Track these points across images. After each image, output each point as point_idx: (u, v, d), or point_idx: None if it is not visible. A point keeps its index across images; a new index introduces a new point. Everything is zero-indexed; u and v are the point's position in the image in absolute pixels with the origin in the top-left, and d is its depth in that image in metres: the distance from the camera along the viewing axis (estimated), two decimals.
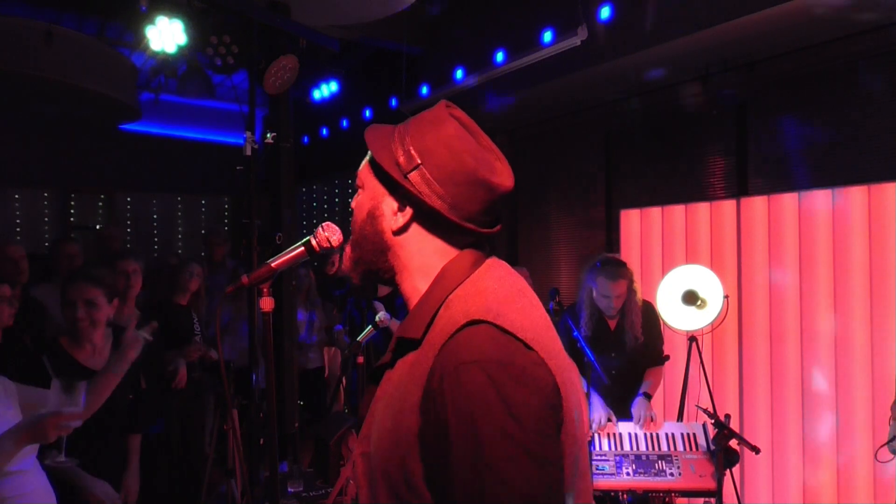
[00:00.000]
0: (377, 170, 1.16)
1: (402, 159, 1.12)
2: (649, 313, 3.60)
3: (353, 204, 1.24)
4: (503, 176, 1.15)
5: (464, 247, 1.15)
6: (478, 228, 1.13)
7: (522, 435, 0.96)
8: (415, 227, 1.15)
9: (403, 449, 1.04)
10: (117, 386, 2.70)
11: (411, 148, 1.12)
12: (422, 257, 1.16)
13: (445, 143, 1.11)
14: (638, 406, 3.35)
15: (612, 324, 3.52)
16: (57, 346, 2.68)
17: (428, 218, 1.13)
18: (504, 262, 1.21)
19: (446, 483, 0.98)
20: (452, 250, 1.15)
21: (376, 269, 1.19)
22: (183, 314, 4.09)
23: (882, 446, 3.20)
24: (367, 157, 1.21)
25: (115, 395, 2.71)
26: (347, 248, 1.23)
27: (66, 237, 6.04)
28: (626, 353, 3.48)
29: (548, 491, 0.97)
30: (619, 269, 3.41)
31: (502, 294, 1.09)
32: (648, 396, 3.42)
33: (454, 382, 0.99)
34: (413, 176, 1.11)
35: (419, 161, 1.11)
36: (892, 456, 3.18)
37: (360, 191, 1.22)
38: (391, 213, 1.15)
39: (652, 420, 3.31)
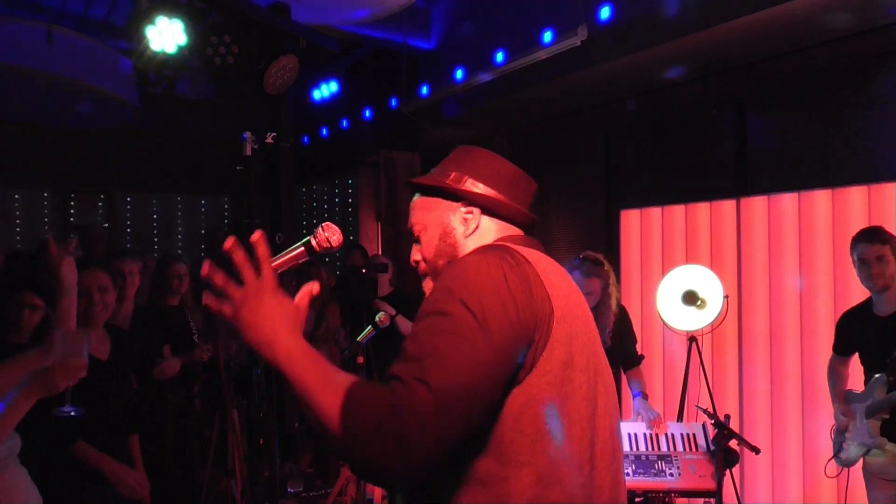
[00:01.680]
0: (438, 193, 1.36)
1: (450, 179, 1.35)
2: (622, 318, 3.59)
3: (417, 256, 1.41)
4: (529, 177, 1.40)
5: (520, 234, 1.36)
6: (530, 214, 1.37)
7: (492, 298, 1.08)
8: (483, 225, 1.35)
9: None
10: (116, 386, 2.71)
11: (454, 171, 1.36)
12: (483, 241, 1.33)
13: (481, 157, 1.37)
14: (644, 408, 3.33)
15: None
16: None
17: (493, 213, 1.35)
18: None
19: (414, 321, 1.13)
20: (509, 235, 1.34)
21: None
22: (176, 315, 4.03)
23: (829, 460, 3.20)
24: (417, 203, 1.41)
25: (115, 395, 2.71)
26: (429, 283, 1.39)
27: (63, 237, 6.03)
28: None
29: (489, 354, 1.05)
30: (594, 268, 3.40)
31: (528, 250, 1.24)
32: (646, 396, 3.43)
33: (456, 262, 1.20)
34: (465, 184, 1.34)
35: (466, 177, 1.35)
36: (840, 469, 3.18)
37: (420, 235, 1.39)
38: (460, 223, 1.35)
39: (661, 420, 3.30)
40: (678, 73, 4.83)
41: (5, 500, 2.16)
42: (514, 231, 1.36)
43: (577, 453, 1.13)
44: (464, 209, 1.34)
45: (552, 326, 1.13)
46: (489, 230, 1.35)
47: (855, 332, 3.11)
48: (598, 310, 3.46)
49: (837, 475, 3.20)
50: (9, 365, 2.14)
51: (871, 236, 2.96)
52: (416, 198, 1.41)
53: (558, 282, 1.21)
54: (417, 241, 1.40)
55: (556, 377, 1.11)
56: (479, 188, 1.34)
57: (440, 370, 1.01)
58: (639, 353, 3.66)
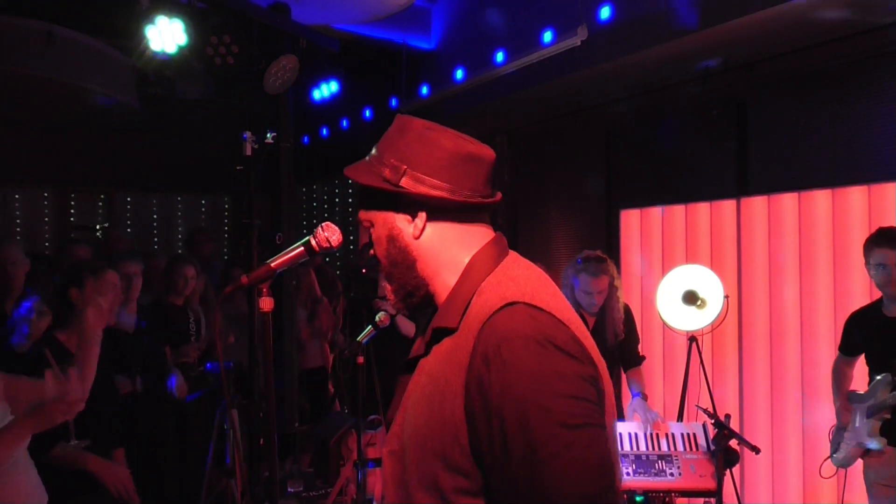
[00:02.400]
0: (374, 196, 1.20)
1: (388, 173, 1.17)
2: (627, 315, 3.59)
3: (369, 246, 1.27)
4: (481, 147, 1.20)
5: (479, 227, 1.21)
6: (483, 200, 1.18)
7: (571, 408, 1.00)
8: (431, 226, 1.19)
9: (449, 434, 1.05)
10: (107, 395, 2.71)
11: (392, 160, 1.17)
12: (447, 252, 1.20)
13: (418, 140, 1.17)
14: (643, 409, 3.33)
15: (591, 321, 3.53)
16: (53, 339, 2.68)
17: (439, 210, 1.17)
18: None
19: (503, 462, 1.01)
20: (472, 236, 1.20)
21: (412, 288, 1.23)
22: (179, 315, 4.08)
23: (825, 460, 3.20)
24: (360, 195, 1.25)
25: (90, 410, 2.70)
26: (387, 286, 1.27)
27: (75, 239, 6.05)
28: (606, 351, 3.48)
29: (600, 454, 1.01)
30: (600, 265, 3.41)
31: (533, 281, 1.15)
32: (645, 396, 3.43)
33: (499, 360, 1.03)
34: (405, 181, 1.15)
35: (404, 167, 1.16)
36: (837, 469, 3.17)
37: (371, 230, 1.25)
38: (407, 225, 1.19)
39: (661, 421, 3.30)
40: (678, 74, 4.83)
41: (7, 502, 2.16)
42: (479, 232, 1.20)
43: None
44: (405, 215, 1.19)
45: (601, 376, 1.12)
46: (445, 238, 1.19)
47: (863, 332, 3.10)
48: (607, 305, 3.46)
49: (833, 475, 3.20)
50: (16, 382, 2.15)
51: (893, 240, 2.90)
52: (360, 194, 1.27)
53: (580, 326, 1.15)
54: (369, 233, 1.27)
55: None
56: (422, 187, 1.15)
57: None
58: (640, 355, 3.66)
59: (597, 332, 3.50)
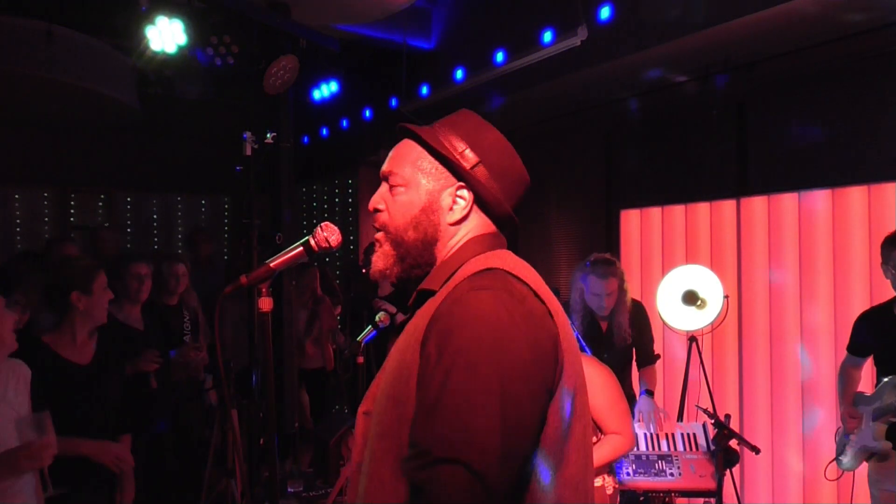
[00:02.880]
0: (445, 163, 1.21)
1: (462, 155, 1.21)
2: (640, 313, 3.59)
3: (380, 204, 1.25)
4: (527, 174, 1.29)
5: (497, 233, 1.26)
6: (516, 220, 1.26)
7: (517, 360, 1.00)
8: (470, 218, 1.23)
9: (403, 380, 1.06)
10: (109, 386, 2.71)
11: (467, 148, 1.22)
12: (462, 243, 1.22)
13: (498, 145, 1.25)
14: (648, 408, 3.33)
15: (604, 325, 3.52)
16: (41, 344, 2.66)
17: (484, 210, 1.23)
18: None
19: (432, 390, 0.99)
20: (487, 236, 1.24)
21: (420, 263, 1.23)
22: (174, 315, 4.06)
23: (830, 462, 3.17)
24: (409, 154, 1.23)
25: (92, 402, 2.70)
26: (385, 246, 1.24)
27: (63, 237, 6.03)
28: (618, 354, 3.48)
29: (523, 417, 0.99)
30: (609, 268, 3.40)
31: (520, 264, 1.17)
32: (651, 393, 3.43)
33: (462, 303, 1.04)
34: (477, 171, 1.21)
35: (479, 159, 1.21)
36: (842, 472, 3.14)
37: (395, 189, 1.23)
38: (447, 207, 1.21)
39: (665, 417, 3.30)
40: (678, 74, 4.83)
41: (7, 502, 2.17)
42: (493, 231, 1.25)
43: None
44: (452, 199, 1.21)
45: (563, 372, 1.08)
46: (473, 225, 1.23)
47: (873, 332, 3.05)
48: (617, 309, 3.45)
49: (838, 478, 3.18)
50: None
51: None
52: (410, 146, 1.24)
53: (559, 311, 1.15)
54: (388, 186, 1.25)
55: (554, 436, 1.08)
56: (490, 184, 1.21)
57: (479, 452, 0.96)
58: (655, 353, 3.65)
59: (609, 337, 3.49)
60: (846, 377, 3.18)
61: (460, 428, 0.95)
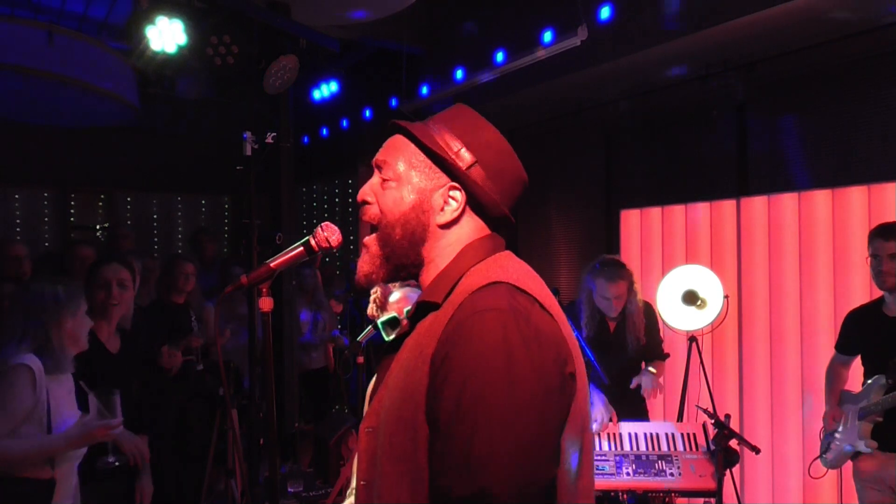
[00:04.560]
0: (438, 162, 1.17)
1: (455, 153, 1.16)
2: (649, 314, 3.58)
3: (368, 196, 1.21)
4: (525, 174, 1.24)
5: (493, 235, 1.21)
6: (512, 220, 1.21)
7: (528, 385, 0.98)
8: (462, 221, 1.18)
9: (416, 401, 1.04)
10: (124, 381, 2.72)
11: (462, 147, 1.17)
12: (454, 247, 1.18)
13: (495, 144, 1.19)
14: (647, 379, 3.34)
15: (612, 325, 3.51)
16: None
17: (477, 211, 1.18)
18: None
19: (443, 422, 0.99)
20: (481, 239, 1.19)
21: (407, 264, 1.20)
22: (181, 313, 4.09)
23: (814, 460, 3.17)
24: (404, 148, 1.20)
25: (131, 388, 2.73)
26: (373, 248, 1.21)
27: (82, 240, 6.06)
28: (627, 355, 3.47)
29: (539, 443, 0.99)
30: (618, 271, 3.39)
31: (522, 271, 1.14)
32: (653, 372, 3.42)
33: (468, 327, 1.01)
34: (473, 171, 1.16)
35: (475, 158, 1.16)
36: (826, 470, 3.15)
37: (386, 183, 1.19)
38: (438, 207, 1.16)
39: (660, 389, 3.29)
40: (678, 73, 4.84)
41: None
42: (489, 234, 1.20)
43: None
44: (444, 200, 1.16)
45: (577, 385, 1.08)
46: (462, 236, 1.18)
47: (861, 331, 3.05)
48: (627, 309, 3.44)
49: (822, 476, 3.18)
50: None
51: (887, 233, 2.86)
52: (404, 140, 1.20)
53: (563, 319, 1.12)
54: (380, 179, 1.20)
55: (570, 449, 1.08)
56: (486, 184, 1.16)
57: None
58: (664, 353, 3.64)
59: (617, 337, 3.48)
60: (834, 375, 3.18)
61: (478, 467, 0.96)
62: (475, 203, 1.17)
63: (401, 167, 1.18)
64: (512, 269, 1.13)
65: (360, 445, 1.15)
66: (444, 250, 1.18)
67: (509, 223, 1.21)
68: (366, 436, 1.14)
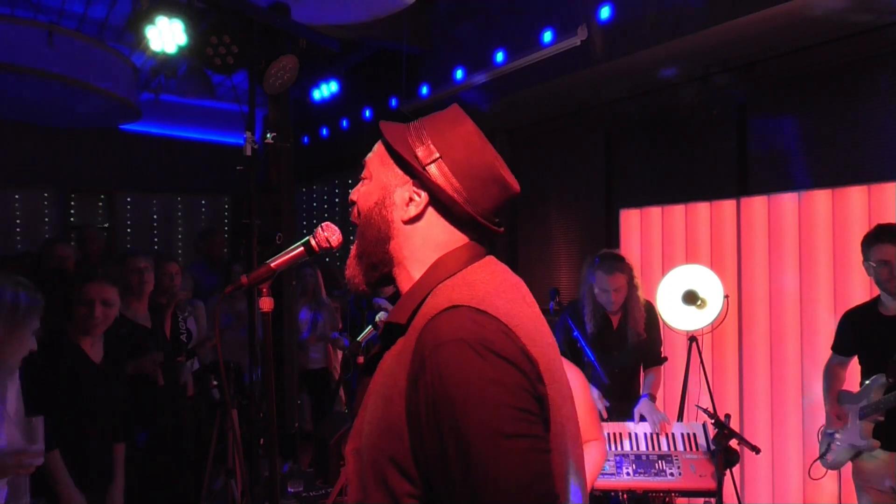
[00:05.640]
0: (396, 159, 1.17)
1: (420, 152, 1.15)
2: (651, 313, 3.59)
3: (354, 196, 1.24)
4: (512, 179, 1.18)
5: (470, 242, 1.17)
6: (489, 225, 1.16)
7: (501, 417, 0.97)
8: (426, 219, 1.16)
9: (394, 434, 1.04)
10: (101, 393, 2.72)
11: (430, 142, 1.15)
12: (424, 250, 1.17)
13: (464, 140, 1.15)
14: (650, 410, 3.31)
15: (615, 321, 3.52)
16: (65, 337, 2.70)
17: (442, 210, 1.16)
18: (503, 263, 1.21)
19: (437, 469, 0.99)
20: (455, 245, 1.17)
21: (376, 262, 1.20)
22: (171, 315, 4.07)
23: (814, 462, 3.17)
24: (379, 148, 1.23)
25: (100, 403, 2.71)
26: (353, 249, 1.23)
27: (58, 238, 6.04)
28: (629, 351, 3.48)
29: (537, 466, 0.98)
30: (616, 263, 3.40)
31: (492, 286, 1.11)
32: (653, 398, 3.41)
33: (434, 363, 1.00)
34: (432, 168, 1.14)
35: (438, 155, 1.14)
36: (826, 471, 3.15)
37: (364, 181, 1.22)
38: (403, 203, 1.16)
39: (667, 422, 3.29)
40: (678, 74, 4.84)
41: None
42: (461, 239, 1.17)
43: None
44: (409, 194, 1.16)
45: (548, 396, 1.06)
46: (430, 237, 1.16)
47: (858, 331, 3.06)
48: (628, 304, 3.45)
49: (822, 477, 3.18)
50: None
51: (894, 236, 2.85)
52: (380, 143, 1.23)
53: (534, 333, 1.09)
54: (361, 181, 1.24)
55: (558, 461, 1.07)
56: (444, 182, 1.13)
57: None
58: (662, 356, 3.64)
59: (620, 332, 3.49)
60: (831, 376, 3.18)
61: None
62: (437, 202, 1.15)
63: (374, 165, 1.21)
64: (479, 284, 1.10)
65: (348, 466, 1.16)
66: (414, 252, 1.17)
67: (483, 227, 1.16)
68: (352, 457, 1.14)
